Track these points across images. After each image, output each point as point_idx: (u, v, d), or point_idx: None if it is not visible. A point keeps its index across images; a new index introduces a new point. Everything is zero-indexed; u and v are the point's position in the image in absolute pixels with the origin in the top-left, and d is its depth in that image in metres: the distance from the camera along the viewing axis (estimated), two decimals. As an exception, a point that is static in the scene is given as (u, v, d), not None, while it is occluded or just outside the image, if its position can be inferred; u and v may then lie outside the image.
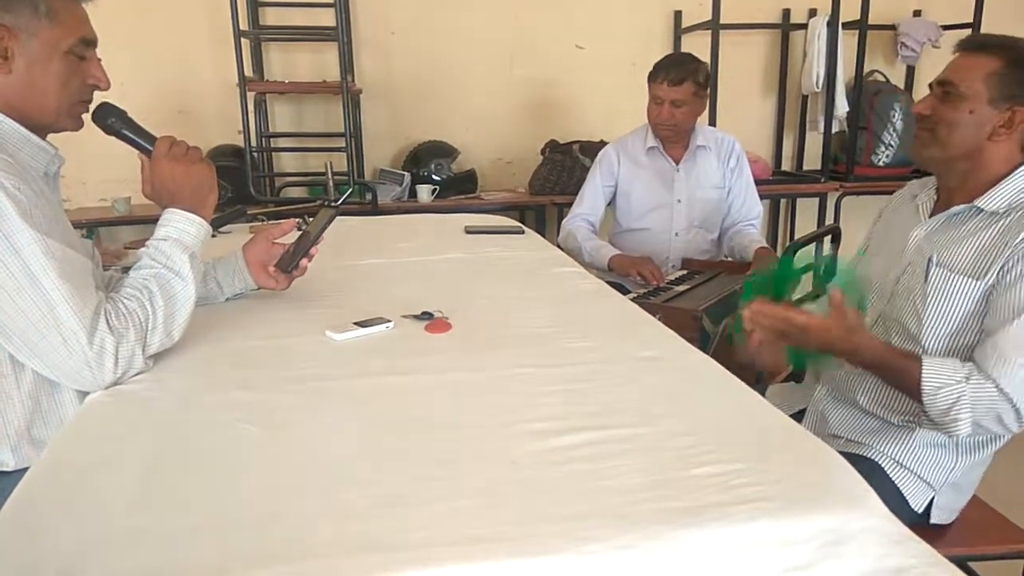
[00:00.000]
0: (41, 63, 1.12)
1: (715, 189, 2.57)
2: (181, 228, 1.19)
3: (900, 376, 1.27)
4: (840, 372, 1.48)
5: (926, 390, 1.23)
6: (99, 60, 1.21)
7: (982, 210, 1.30)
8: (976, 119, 1.27)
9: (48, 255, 1.02)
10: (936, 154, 1.33)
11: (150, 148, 1.23)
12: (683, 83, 2.38)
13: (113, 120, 1.23)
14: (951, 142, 1.30)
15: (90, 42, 1.18)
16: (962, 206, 1.32)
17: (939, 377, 1.23)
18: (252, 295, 1.48)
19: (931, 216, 1.39)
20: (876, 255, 1.52)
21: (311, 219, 1.53)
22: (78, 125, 1.21)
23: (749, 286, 1.44)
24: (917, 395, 1.25)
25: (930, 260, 1.33)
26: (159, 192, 1.22)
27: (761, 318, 1.31)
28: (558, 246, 2.30)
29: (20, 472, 1.09)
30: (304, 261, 1.43)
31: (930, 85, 1.36)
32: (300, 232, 1.46)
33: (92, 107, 1.22)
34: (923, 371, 1.23)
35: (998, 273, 1.25)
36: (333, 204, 2.72)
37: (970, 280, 1.28)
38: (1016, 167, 1.29)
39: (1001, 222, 1.28)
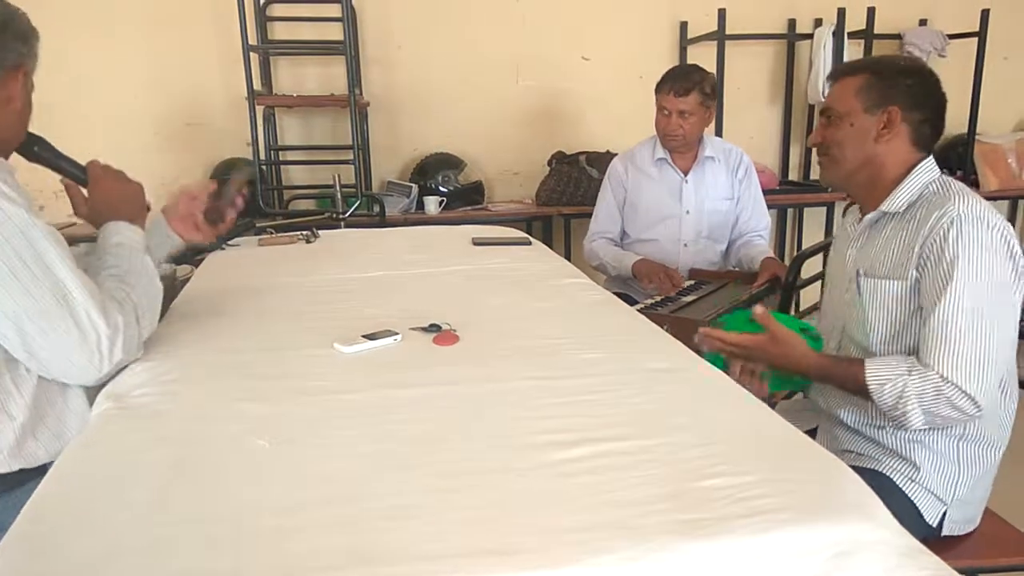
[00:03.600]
0: (25, 95, 1.19)
1: (724, 200, 2.57)
2: (128, 235, 1.29)
3: (847, 380, 1.34)
4: (822, 394, 1.51)
5: (871, 388, 1.28)
6: None
7: (888, 213, 1.38)
8: (858, 129, 1.39)
9: (59, 244, 1.08)
10: (838, 173, 1.44)
11: (80, 174, 1.33)
12: (690, 94, 2.39)
13: (38, 148, 1.30)
14: (845, 157, 1.41)
15: None
16: (873, 213, 1.41)
17: (881, 374, 1.28)
18: (260, 309, 1.49)
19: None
20: (831, 279, 1.59)
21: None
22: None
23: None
24: (866, 395, 1.30)
25: (858, 273, 1.41)
26: (100, 209, 1.31)
27: (712, 343, 1.41)
28: (567, 258, 2.31)
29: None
30: (231, 212, 1.49)
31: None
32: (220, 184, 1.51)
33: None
34: (866, 371, 1.29)
35: (917, 267, 1.31)
36: (335, 228, 2.70)
37: (894, 282, 1.35)
38: (911, 168, 1.37)
39: (909, 222, 1.35)
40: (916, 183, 1.36)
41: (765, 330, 1.38)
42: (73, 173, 1.34)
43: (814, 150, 1.52)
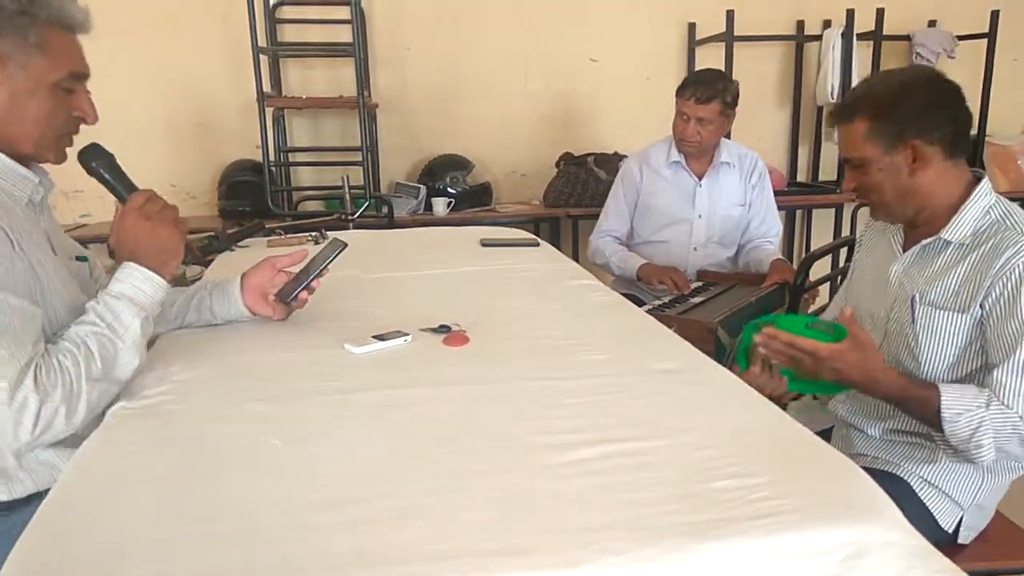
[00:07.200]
0: (26, 94, 1.09)
1: (736, 206, 2.57)
2: (137, 287, 1.13)
3: (918, 406, 1.28)
4: (846, 404, 1.48)
5: (946, 417, 1.23)
6: (88, 93, 1.17)
7: (951, 242, 1.32)
8: (889, 171, 1.32)
9: None
10: (889, 214, 1.39)
11: (126, 199, 1.19)
12: (711, 102, 2.38)
13: (97, 163, 1.18)
14: (886, 198, 1.35)
15: (80, 76, 1.15)
16: (931, 238, 1.34)
17: (958, 404, 1.23)
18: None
19: (904, 249, 1.41)
20: (863, 287, 1.53)
21: (328, 234, 1.52)
22: (61, 158, 1.18)
23: (751, 328, 1.44)
24: (937, 424, 1.25)
25: (914, 299, 1.35)
26: (120, 246, 1.16)
27: (771, 343, 1.32)
28: (575, 259, 2.31)
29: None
30: (304, 294, 1.38)
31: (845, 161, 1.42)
32: (306, 262, 1.41)
33: (83, 143, 1.19)
34: (942, 400, 1.24)
35: (983, 303, 1.26)
36: (344, 229, 2.70)
37: (956, 315, 1.30)
38: (969, 189, 1.31)
39: (973, 253, 1.29)
40: (977, 208, 1.30)
41: (841, 336, 1.28)
42: (122, 196, 1.19)
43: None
